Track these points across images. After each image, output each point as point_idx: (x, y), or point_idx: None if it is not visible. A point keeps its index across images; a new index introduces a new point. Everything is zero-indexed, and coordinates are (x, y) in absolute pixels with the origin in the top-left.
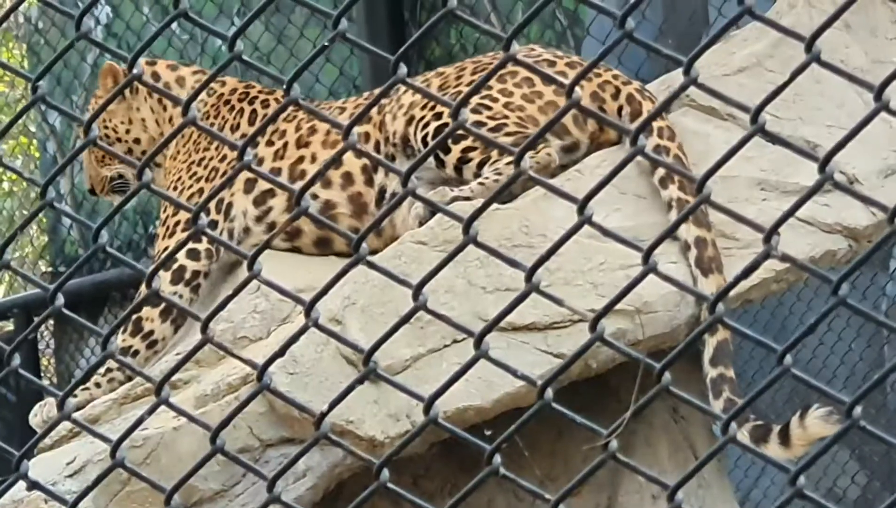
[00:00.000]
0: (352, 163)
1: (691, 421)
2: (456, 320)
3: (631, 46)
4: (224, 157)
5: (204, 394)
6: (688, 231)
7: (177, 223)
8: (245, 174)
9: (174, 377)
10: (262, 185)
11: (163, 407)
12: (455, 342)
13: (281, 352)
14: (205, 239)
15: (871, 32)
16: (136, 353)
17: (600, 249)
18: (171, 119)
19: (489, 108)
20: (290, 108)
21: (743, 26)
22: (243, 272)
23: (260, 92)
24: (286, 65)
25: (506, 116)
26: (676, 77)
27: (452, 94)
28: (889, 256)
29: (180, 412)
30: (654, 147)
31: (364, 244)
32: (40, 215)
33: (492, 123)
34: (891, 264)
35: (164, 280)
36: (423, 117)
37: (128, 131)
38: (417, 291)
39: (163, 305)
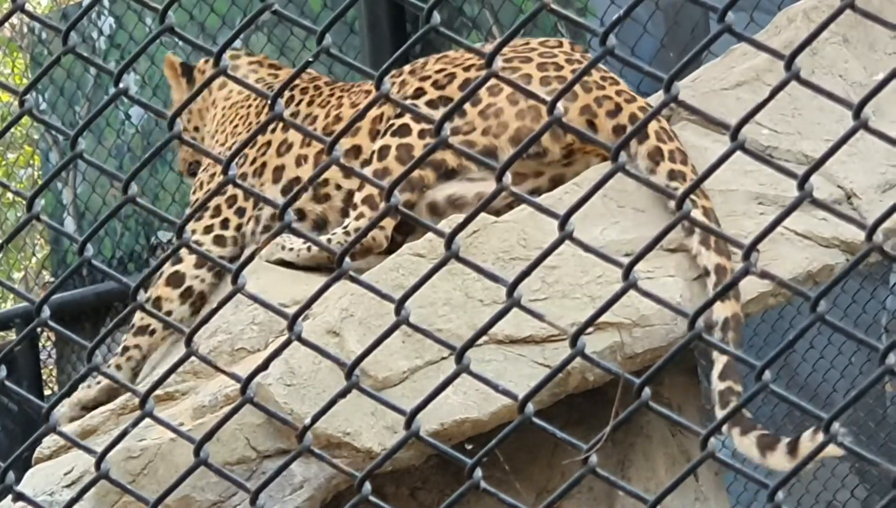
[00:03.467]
0: (368, 148)
1: (689, 435)
2: (454, 332)
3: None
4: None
5: (202, 405)
6: (708, 258)
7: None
8: (273, 162)
9: (171, 388)
10: (290, 173)
11: (164, 417)
12: (453, 354)
13: (264, 365)
14: (232, 227)
15: (871, 47)
16: (153, 332)
17: (598, 262)
18: (214, 102)
19: (464, 113)
20: (327, 90)
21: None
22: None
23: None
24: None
25: (472, 130)
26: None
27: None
28: (889, 270)
29: (165, 425)
30: (669, 172)
31: (347, 259)
32: (42, 226)
33: (459, 139)
34: (891, 278)
35: (188, 263)
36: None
37: (189, 120)
38: (400, 305)
39: (183, 286)
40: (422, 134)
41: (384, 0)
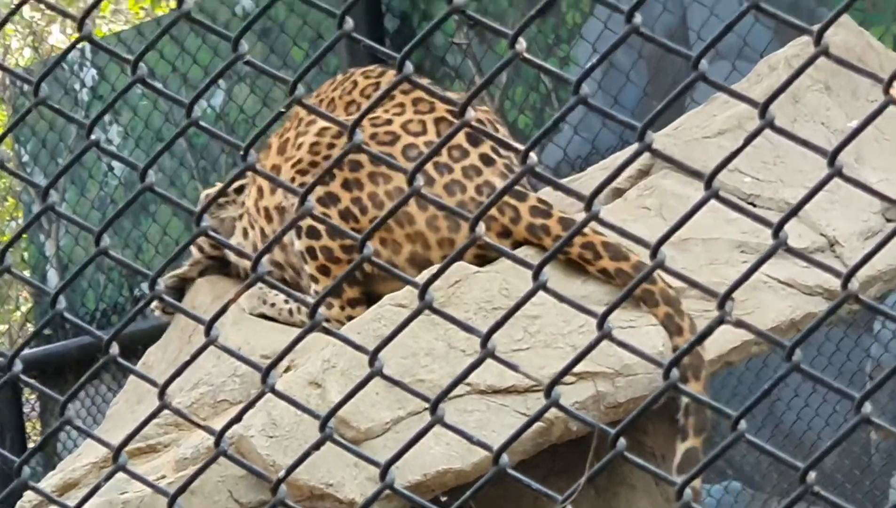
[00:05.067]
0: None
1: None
2: (436, 382)
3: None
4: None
5: (184, 457)
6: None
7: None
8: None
9: (153, 441)
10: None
11: (146, 469)
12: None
13: (238, 418)
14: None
15: (853, 94)
16: None
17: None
18: None
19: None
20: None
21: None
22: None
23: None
24: (272, 132)
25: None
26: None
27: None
28: (873, 317)
29: (139, 479)
30: (579, 255)
31: (321, 310)
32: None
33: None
34: (875, 326)
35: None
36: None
37: None
38: (373, 357)
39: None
40: (331, 235)
41: (364, 48)
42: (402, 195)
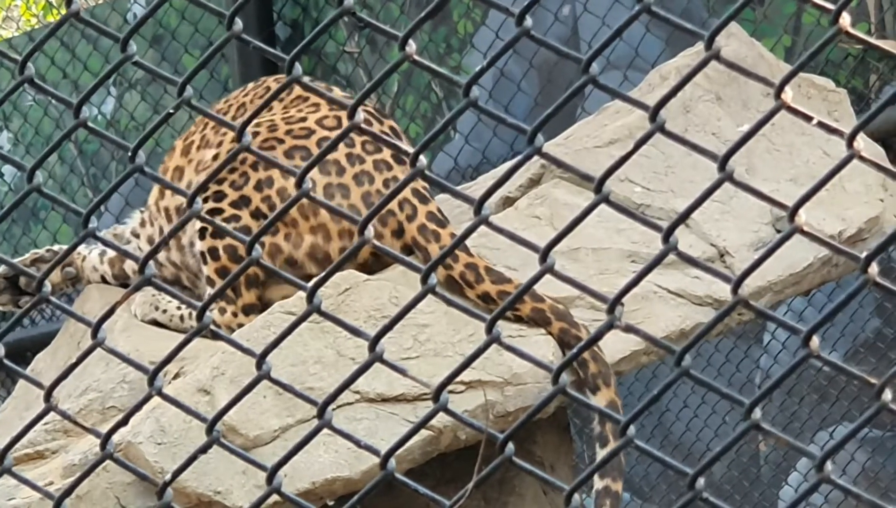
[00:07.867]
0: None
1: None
2: (325, 390)
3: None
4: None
5: (72, 464)
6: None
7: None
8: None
9: (42, 447)
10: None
11: (34, 475)
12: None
13: (124, 421)
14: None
15: (744, 105)
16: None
17: (469, 321)
18: None
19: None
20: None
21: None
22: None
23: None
24: (162, 134)
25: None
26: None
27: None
28: (763, 329)
29: (22, 481)
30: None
31: (215, 314)
32: None
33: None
34: (765, 338)
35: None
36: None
37: None
38: (260, 360)
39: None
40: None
41: (258, 58)
42: (311, 189)
